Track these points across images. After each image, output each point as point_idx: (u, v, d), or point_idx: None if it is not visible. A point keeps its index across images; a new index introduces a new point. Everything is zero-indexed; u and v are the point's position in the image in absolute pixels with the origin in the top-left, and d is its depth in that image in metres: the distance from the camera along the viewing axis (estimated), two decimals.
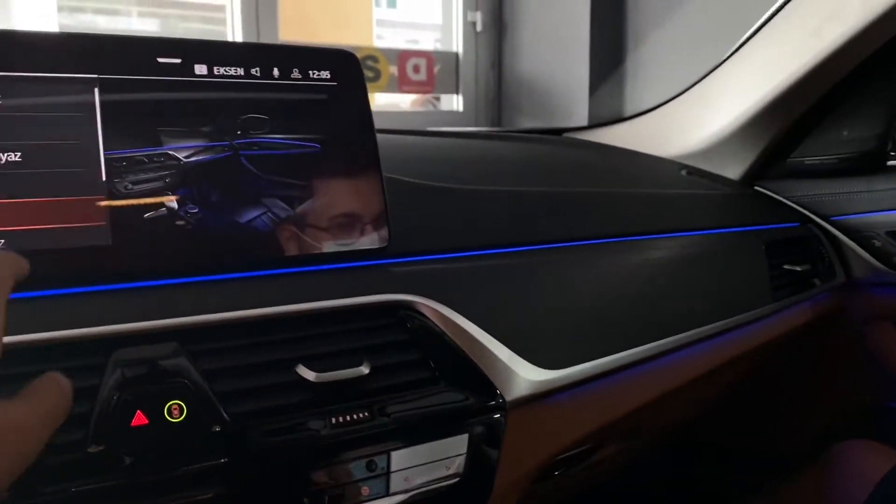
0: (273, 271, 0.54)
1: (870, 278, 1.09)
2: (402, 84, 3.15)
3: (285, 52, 0.58)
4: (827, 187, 1.12)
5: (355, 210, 0.59)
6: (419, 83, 3.20)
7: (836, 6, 0.96)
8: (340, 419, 0.50)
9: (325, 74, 0.59)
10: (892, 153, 1.14)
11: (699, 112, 1.16)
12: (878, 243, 1.07)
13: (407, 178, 0.69)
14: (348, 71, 0.60)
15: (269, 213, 0.56)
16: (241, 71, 0.56)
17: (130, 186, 0.51)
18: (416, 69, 3.14)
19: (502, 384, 0.57)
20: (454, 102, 3.20)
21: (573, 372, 0.62)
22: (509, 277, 0.65)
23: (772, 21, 1.05)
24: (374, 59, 3.04)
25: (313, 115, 0.58)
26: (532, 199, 0.78)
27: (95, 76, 0.51)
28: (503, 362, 0.58)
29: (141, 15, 2.06)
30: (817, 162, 1.13)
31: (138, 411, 0.45)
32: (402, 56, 3.12)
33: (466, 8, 3.05)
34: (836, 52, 0.95)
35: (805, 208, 1.12)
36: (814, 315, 1.03)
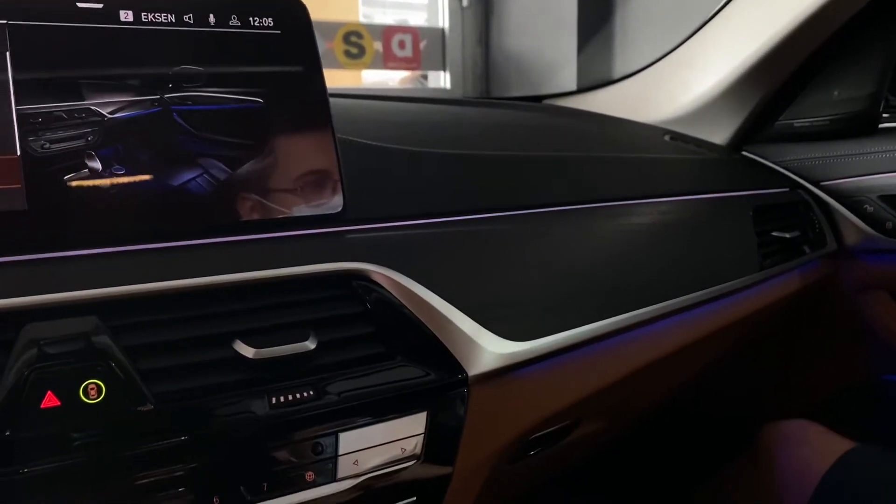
0: (210, 239, 0.49)
1: (862, 245, 1.04)
2: (387, 60, 3.08)
3: None
4: (817, 151, 1.07)
5: (304, 172, 0.54)
6: (405, 59, 3.13)
7: None
8: (281, 398, 0.45)
9: (268, 22, 0.54)
10: (885, 114, 1.09)
11: (682, 75, 1.11)
12: (870, 208, 1.02)
13: (366, 140, 0.64)
14: (294, 19, 0.55)
15: (206, 175, 0.51)
16: (171, 17, 0.51)
17: (48, 145, 0.46)
18: (402, 45, 3.07)
19: (465, 358, 0.52)
20: (441, 79, 3.14)
21: (543, 344, 0.57)
22: (476, 245, 0.61)
23: None
24: (359, 34, 2.96)
25: (255, 67, 0.53)
26: (503, 163, 0.73)
27: (4, 21, 0.46)
28: (466, 335, 0.53)
29: None
30: (807, 124, 1.08)
31: (49, 392, 0.40)
32: (386, 32, 3.05)
33: None
34: (825, 5, 0.90)
35: (794, 173, 1.08)
36: (803, 284, 0.99)
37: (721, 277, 0.83)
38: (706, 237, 0.87)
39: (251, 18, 0.53)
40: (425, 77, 3.27)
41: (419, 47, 3.10)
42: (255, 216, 0.51)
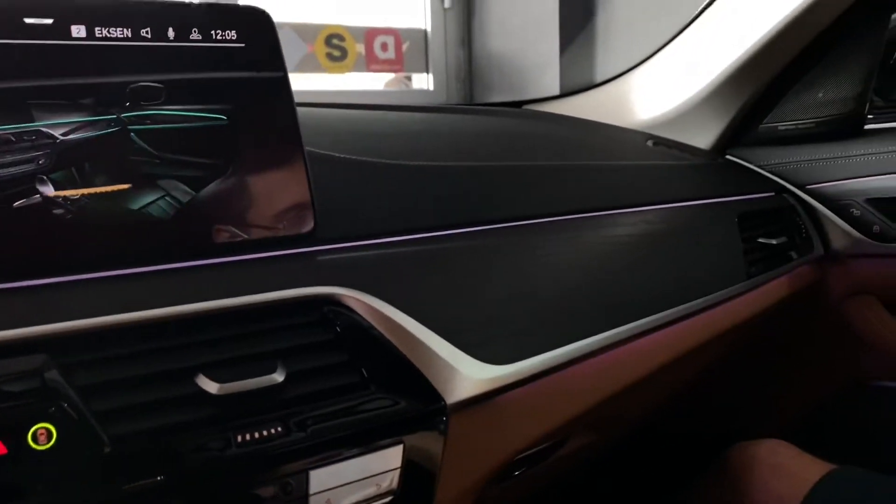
0: (172, 265, 0.46)
1: (849, 250, 1.03)
2: (369, 63, 3.05)
3: (182, 10, 0.50)
4: (802, 154, 1.05)
5: (272, 190, 0.51)
6: (387, 62, 3.10)
7: None
8: (248, 436, 0.42)
9: (231, 35, 0.51)
10: (870, 115, 1.08)
11: (665, 78, 1.09)
12: (856, 212, 1.01)
13: (339, 154, 0.61)
14: (259, 31, 0.52)
15: (168, 198, 0.48)
16: (128, 32, 0.48)
17: None
18: (384, 47, 3.04)
19: (443, 385, 0.50)
20: (425, 81, 3.12)
21: (525, 366, 0.55)
22: (454, 263, 0.58)
23: None
24: (340, 37, 2.93)
25: (218, 83, 0.50)
26: (482, 174, 0.70)
27: None
28: (444, 360, 0.51)
29: None
30: (791, 127, 1.06)
31: None
32: (368, 34, 3.02)
33: None
34: (810, 6, 0.88)
35: (779, 177, 1.06)
36: (791, 290, 0.97)
37: (709, 288, 0.82)
38: (692, 246, 0.85)
39: (213, 32, 0.51)
40: (409, 79, 3.25)
41: (402, 49, 3.08)
42: (220, 239, 0.48)
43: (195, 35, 0.50)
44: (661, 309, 0.73)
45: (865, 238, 1.01)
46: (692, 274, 0.81)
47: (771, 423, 1.18)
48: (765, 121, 1.08)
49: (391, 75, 3.34)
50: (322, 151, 0.59)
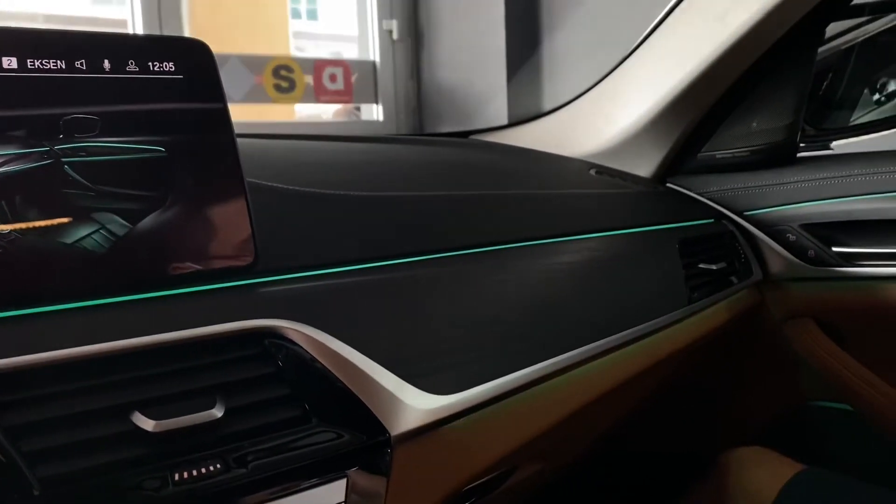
0: (107, 300, 0.45)
1: (786, 274, 1.06)
2: (318, 94, 3.05)
3: (118, 42, 0.50)
4: (739, 181, 1.09)
5: (212, 223, 0.50)
6: (336, 93, 3.11)
7: None
8: (185, 474, 0.41)
9: (169, 66, 0.51)
10: (803, 143, 1.12)
11: (607, 108, 1.11)
12: (792, 237, 1.04)
13: (281, 185, 0.61)
14: (197, 62, 0.52)
15: (103, 231, 0.47)
16: (62, 64, 0.47)
17: None
18: (333, 78, 3.05)
19: (386, 416, 0.50)
20: (374, 112, 3.13)
21: (470, 395, 0.55)
22: (397, 293, 0.58)
23: (677, 8, 1.01)
24: (289, 68, 2.93)
25: (155, 114, 0.50)
26: (425, 204, 0.71)
27: None
28: (388, 391, 0.50)
29: None
30: (728, 156, 1.09)
31: None
32: (317, 65, 3.03)
33: (382, 16, 2.99)
34: (741, 38, 0.92)
35: (718, 204, 1.09)
36: (731, 315, 0.99)
37: (651, 314, 0.83)
38: (634, 273, 0.86)
39: (150, 63, 0.50)
40: (359, 109, 3.26)
41: (350, 80, 3.09)
42: (157, 273, 0.47)
43: (132, 66, 0.49)
44: (604, 335, 0.74)
45: (801, 262, 1.04)
46: (634, 300, 0.82)
47: (719, 442, 1.20)
48: (703, 149, 1.11)
49: (339, 106, 3.34)
50: (264, 182, 0.58)
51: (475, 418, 0.57)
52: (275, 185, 0.60)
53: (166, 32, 2.43)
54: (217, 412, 0.43)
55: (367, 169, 0.80)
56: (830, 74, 1.23)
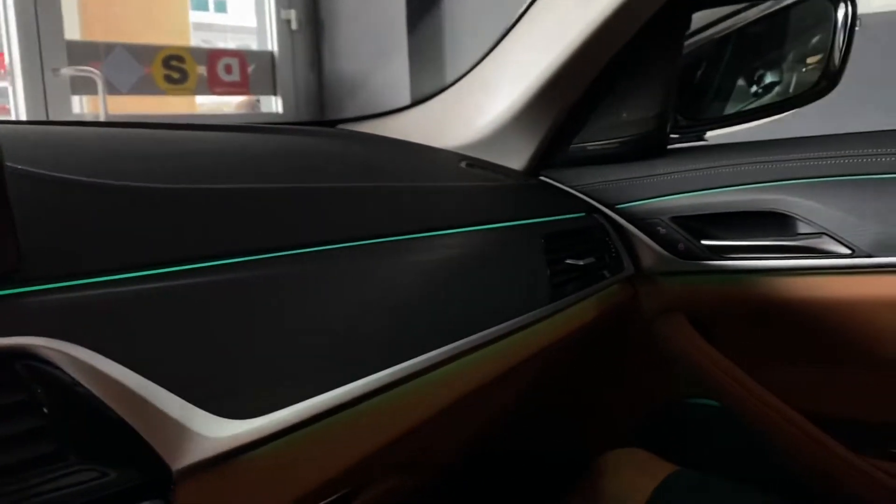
0: None
1: (658, 268, 1.04)
2: (212, 85, 2.92)
3: None
4: (611, 174, 1.06)
5: None
6: (232, 84, 2.99)
7: None
8: None
9: None
10: (676, 135, 1.11)
11: (478, 98, 1.07)
12: (662, 230, 1.02)
13: (66, 175, 0.52)
14: None
15: None
16: None
17: None
18: (229, 69, 2.92)
19: (168, 448, 0.43)
20: (273, 104, 3.03)
21: (280, 417, 0.48)
22: (199, 301, 0.51)
23: None
24: (180, 58, 2.79)
25: None
26: (262, 197, 0.64)
27: None
28: (171, 418, 0.43)
29: None
30: (598, 147, 1.07)
31: None
32: (211, 56, 2.90)
33: (280, 6, 2.89)
34: (606, 22, 0.89)
35: (590, 197, 1.06)
36: (601, 310, 0.96)
37: (513, 311, 0.79)
38: (496, 269, 0.82)
39: None
40: (259, 101, 3.15)
41: (247, 71, 2.97)
42: None
43: None
44: (463, 336, 0.70)
45: (671, 256, 1.02)
46: (493, 300, 0.78)
47: (600, 443, 1.18)
48: (575, 141, 1.08)
49: (241, 98, 3.22)
50: (41, 171, 0.50)
51: (292, 440, 0.51)
52: (57, 174, 0.51)
53: (43, 25, 2.28)
54: None
55: (199, 160, 0.72)
56: (705, 64, 1.22)
